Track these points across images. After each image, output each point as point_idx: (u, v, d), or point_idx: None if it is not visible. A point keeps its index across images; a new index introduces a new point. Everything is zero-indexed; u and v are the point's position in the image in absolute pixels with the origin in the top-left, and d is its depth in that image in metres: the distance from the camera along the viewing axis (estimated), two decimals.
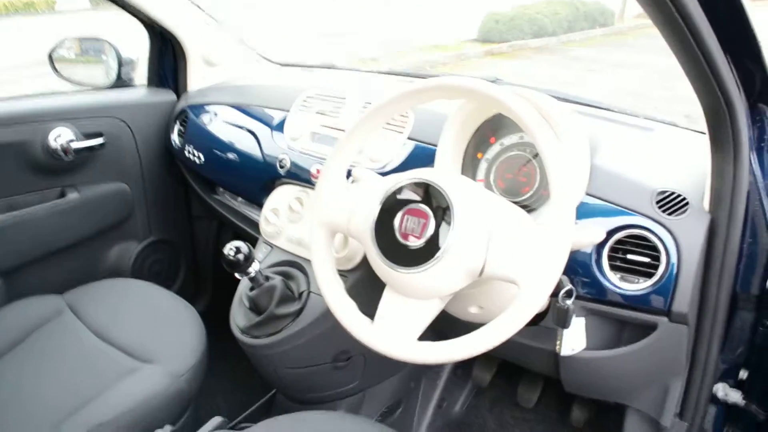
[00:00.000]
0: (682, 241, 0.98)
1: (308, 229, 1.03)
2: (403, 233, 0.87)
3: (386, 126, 1.29)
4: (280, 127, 1.49)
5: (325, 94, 1.47)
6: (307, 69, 1.95)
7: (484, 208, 0.87)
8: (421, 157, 1.23)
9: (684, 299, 0.98)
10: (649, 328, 1.04)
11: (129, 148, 1.78)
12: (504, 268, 0.82)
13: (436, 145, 1.18)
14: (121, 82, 1.80)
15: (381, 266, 0.89)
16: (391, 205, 0.90)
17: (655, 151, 1.20)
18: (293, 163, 1.40)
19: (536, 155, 1.12)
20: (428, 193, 0.87)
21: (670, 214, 1.00)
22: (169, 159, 1.87)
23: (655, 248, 1.00)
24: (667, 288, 0.99)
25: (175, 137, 1.81)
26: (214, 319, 1.61)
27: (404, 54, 8.89)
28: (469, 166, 1.19)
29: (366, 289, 1.11)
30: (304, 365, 1.33)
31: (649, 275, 1.00)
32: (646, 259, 1.00)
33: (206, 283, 2.16)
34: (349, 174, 1.07)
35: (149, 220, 1.90)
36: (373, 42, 9.87)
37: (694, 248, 0.98)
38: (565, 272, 0.84)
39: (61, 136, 1.59)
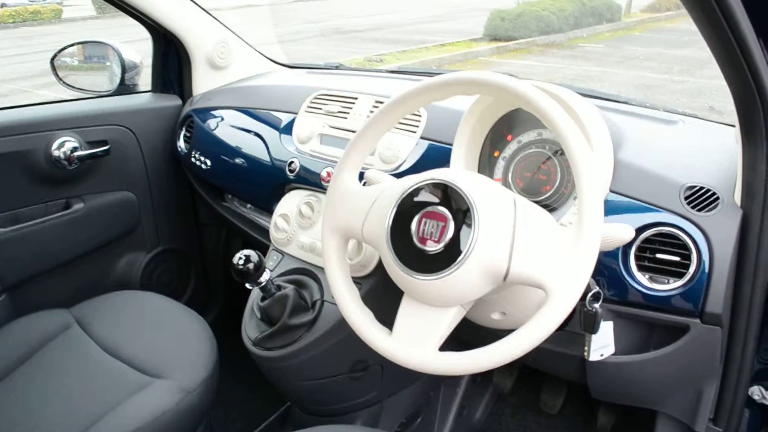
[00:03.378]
0: (714, 238, 0.94)
1: (320, 236, 0.99)
2: (421, 237, 0.82)
3: (398, 126, 1.25)
4: (288, 129, 1.45)
5: (333, 95, 1.43)
6: (314, 71, 1.90)
7: (507, 209, 0.82)
8: (436, 156, 1.19)
9: (717, 299, 0.94)
10: (680, 331, 0.99)
11: (134, 156, 1.74)
12: (530, 272, 0.78)
13: (450, 144, 1.14)
14: (125, 87, 1.76)
15: (398, 273, 0.85)
16: (407, 208, 0.85)
17: (679, 144, 1.15)
18: (302, 167, 1.36)
19: (556, 152, 1.08)
20: (446, 194, 0.83)
21: (699, 210, 0.95)
22: (176, 166, 1.84)
23: (685, 246, 0.95)
24: (699, 288, 0.94)
25: (181, 143, 1.77)
26: (226, 329, 1.57)
27: (409, 54, 8.85)
28: (486, 165, 1.15)
29: (382, 296, 1.07)
30: (320, 377, 1.28)
31: (680, 275, 0.95)
32: (676, 258, 0.95)
33: (217, 292, 2.12)
34: (361, 177, 1.03)
35: (157, 229, 1.86)
36: (377, 41, 9.85)
37: (727, 245, 0.93)
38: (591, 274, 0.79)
39: (64, 145, 1.56)
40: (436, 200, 0.83)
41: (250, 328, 1.26)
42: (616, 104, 1.32)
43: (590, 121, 1.00)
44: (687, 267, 0.94)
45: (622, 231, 0.86)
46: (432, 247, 0.81)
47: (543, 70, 7.71)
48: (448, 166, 1.12)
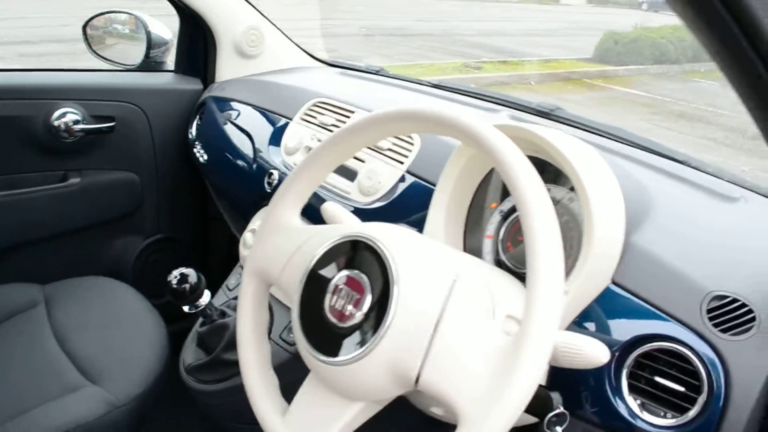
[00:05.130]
0: (735, 372, 0.69)
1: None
2: (332, 307, 0.65)
3: (386, 153, 1.06)
4: (278, 137, 1.29)
5: (332, 104, 1.26)
6: (349, 72, 1.73)
7: (438, 292, 0.62)
8: (419, 197, 0.98)
9: None
10: None
11: (143, 137, 1.65)
12: (439, 386, 0.58)
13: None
14: (150, 64, 1.67)
15: (300, 344, 0.68)
16: (327, 266, 0.67)
17: (727, 232, 0.87)
18: (281, 181, 1.19)
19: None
20: (372, 258, 0.64)
21: (724, 330, 0.71)
22: (188, 152, 1.73)
23: (695, 374, 0.71)
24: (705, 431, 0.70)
25: (192, 130, 1.66)
26: None
27: (510, 65, 8.56)
28: (478, 218, 0.94)
29: None
30: (254, 422, 1.13)
31: (682, 409, 0.71)
32: (680, 388, 0.72)
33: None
34: (314, 209, 0.86)
35: (159, 215, 1.76)
36: (483, 48, 9.60)
37: (753, 385, 0.69)
38: (564, 384, 0.61)
39: (65, 116, 1.49)
40: (360, 263, 0.65)
41: (188, 353, 1.13)
42: (668, 162, 1.05)
43: (593, 182, 0.76)
44: (693, 402, 0.71)
45: (593, 350, 0.63)
46: (343, 322, 0.63)
47: (648, 100, 7.21)
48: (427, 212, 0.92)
